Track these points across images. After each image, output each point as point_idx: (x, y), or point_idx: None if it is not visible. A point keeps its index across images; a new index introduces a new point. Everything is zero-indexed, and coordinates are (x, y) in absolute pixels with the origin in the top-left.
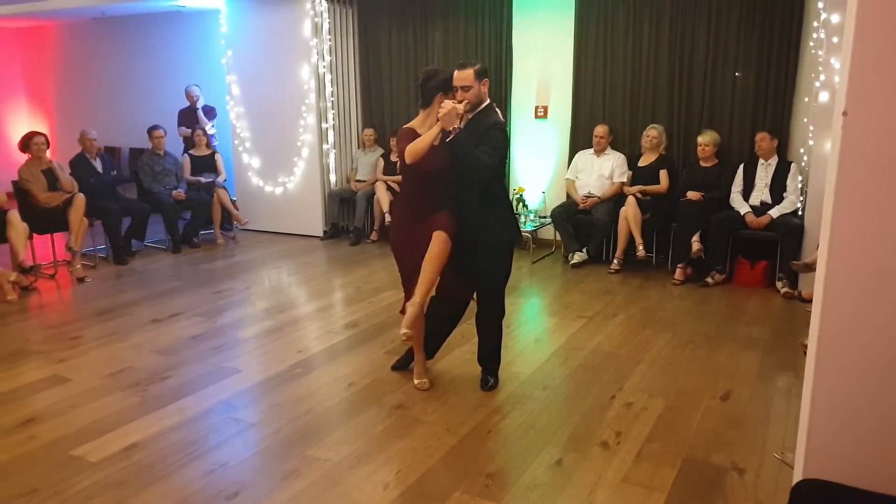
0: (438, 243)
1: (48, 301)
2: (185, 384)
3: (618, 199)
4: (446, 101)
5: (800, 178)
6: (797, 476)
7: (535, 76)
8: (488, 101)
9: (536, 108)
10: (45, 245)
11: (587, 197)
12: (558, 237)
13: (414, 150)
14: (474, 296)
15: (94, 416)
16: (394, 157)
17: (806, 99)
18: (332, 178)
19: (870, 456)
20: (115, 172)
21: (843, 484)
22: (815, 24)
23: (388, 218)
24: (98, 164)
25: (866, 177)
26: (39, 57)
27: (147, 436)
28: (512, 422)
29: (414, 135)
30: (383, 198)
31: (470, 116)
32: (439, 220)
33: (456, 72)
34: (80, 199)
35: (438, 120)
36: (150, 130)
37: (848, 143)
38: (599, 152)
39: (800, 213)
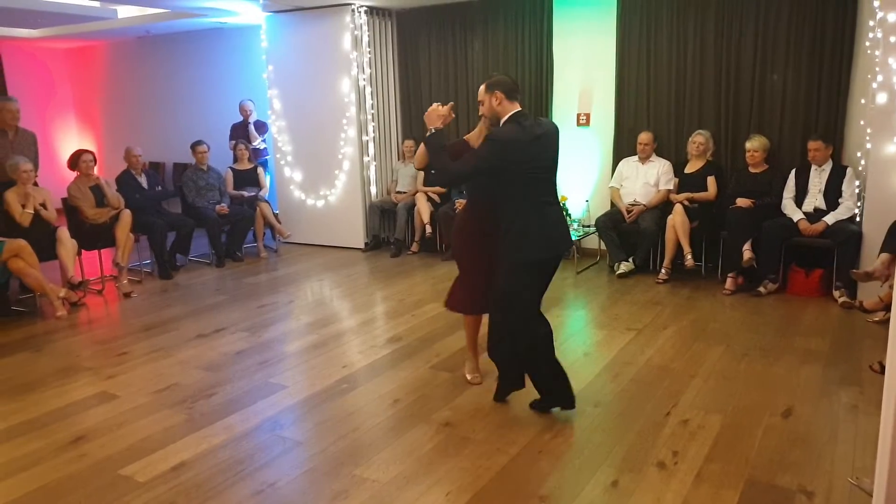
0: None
1: (96, 316)
2: (231, 401)
3: (664, 207)
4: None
5: (856, 182)
6: None
7: (576, 83)
8: (511, 113)
9: (578, 115)
10: (93, 261)
11: (632, 205)
12: (603, 247)
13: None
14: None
15: (142, 434)
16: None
17: (862, 101)
18: (373, 190)
19: None
20: (159, 188)
21: None
22: (871, 23)
23: (428, 229)
24: (143, 180)
25: None
26: (87, 76)
27: (195, 454)
28: (564, 440)
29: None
30: (423, 209)
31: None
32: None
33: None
34: (127, 215)
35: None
36: (194, 146)
37: None
38: (644, 159)
39: (857, 219)
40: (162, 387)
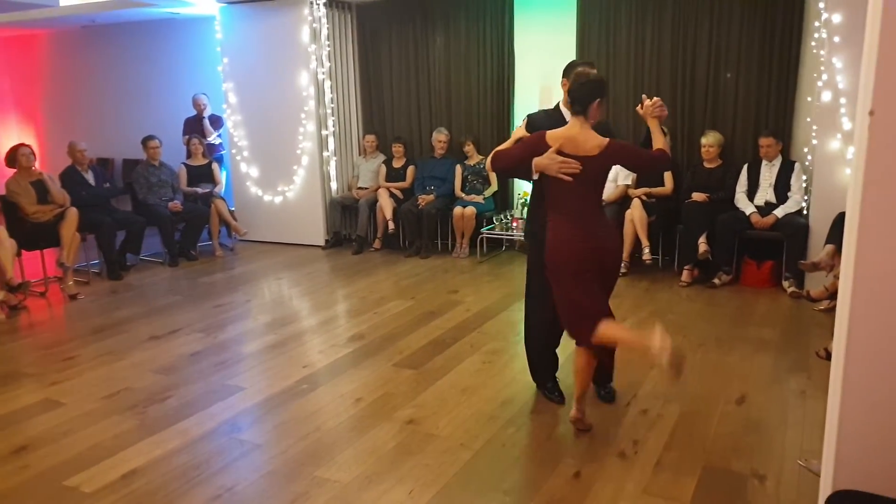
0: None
1: (39, 320)
2: (186, 404)
3: (623, 201)
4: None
5: (804, 177)
6: (825, 485)
7: (537, 79)
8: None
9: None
10: (35, 261)
11: None
12: None
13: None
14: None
15: (89, 442)
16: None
17: (808, 98)
18: (333, 185)
19: None
20: (107, 184)
21: (879, 494)
22: (816, 23)
23: (391, 225)
24: (90, 177)
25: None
26: (28, 67)
27: (147, 461)
28: (527, 434)
29: (573, 143)
30: (386, 205)
31: None
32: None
33: None
34: (73, 213)
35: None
36: (145, 141)
37: (875, 144)
38: None
39: (804, 212)
40: (111, 392)
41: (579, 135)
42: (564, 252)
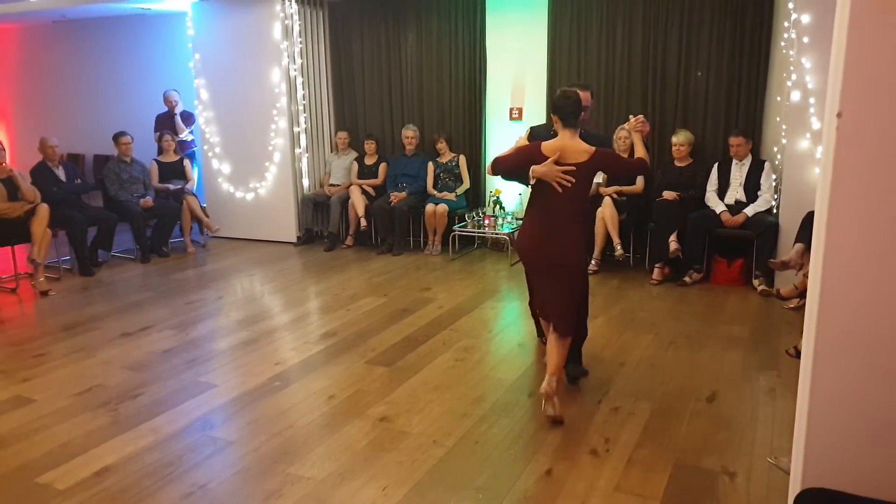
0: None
1: (9, 316)
2: (158, 401)
3: (594, 199)
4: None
5: (773, 176)
6: (795, 483)
7: (509, 78)
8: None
9: (511, 109)
10: (6, 257)
11: None
12: None
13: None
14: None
15: (61, 440)
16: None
17: (778, 98)
18: (305, 182)
19: (872, 462)
20: (78, 180)
21: (847, 493)
22: (786, 24)
23: (363, 222)
24: (61, 173)
25: (863, 179)
26: None
27: (119, 458)
28: (499, 431)
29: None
30: (358, 202)
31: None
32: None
33: (582, 92)
34: (44, 209)
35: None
36: (117, 137)
37: (843, 146)
38: None
39: (774, 211)
40: (83, 389)
41: (569, 144)
42: (517, 246)
